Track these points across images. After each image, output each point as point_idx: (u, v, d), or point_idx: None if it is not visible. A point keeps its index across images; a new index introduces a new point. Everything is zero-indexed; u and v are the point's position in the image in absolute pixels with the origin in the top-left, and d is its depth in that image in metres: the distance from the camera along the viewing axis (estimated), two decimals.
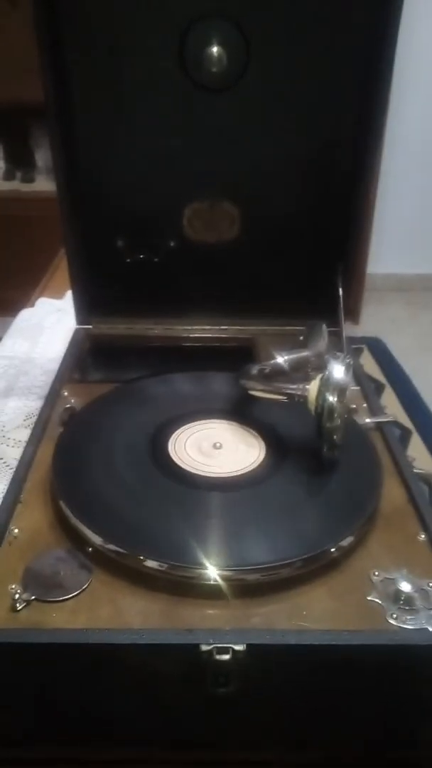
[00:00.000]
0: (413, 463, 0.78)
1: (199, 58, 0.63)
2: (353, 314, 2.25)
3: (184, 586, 0.43)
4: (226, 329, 0.77)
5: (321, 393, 0.49)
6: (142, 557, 0.44)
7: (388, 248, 2.56)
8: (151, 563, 0.44)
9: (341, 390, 0.48)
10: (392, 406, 0.94)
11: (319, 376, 0.50)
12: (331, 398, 0.48)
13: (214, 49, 0.63)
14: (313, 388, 0.50)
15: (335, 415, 0.48)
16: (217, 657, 0.38)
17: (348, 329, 0.68)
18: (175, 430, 0.57)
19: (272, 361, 0.57)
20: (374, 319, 2.31)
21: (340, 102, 0.67)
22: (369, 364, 1.05)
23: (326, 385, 0.48)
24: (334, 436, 0.50)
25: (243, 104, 0.67)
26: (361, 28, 0.63)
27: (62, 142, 0.67)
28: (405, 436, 0.90)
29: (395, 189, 2.46)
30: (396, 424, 0.90)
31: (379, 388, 0.99)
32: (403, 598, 0.42)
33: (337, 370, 0.48)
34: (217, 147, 0.69)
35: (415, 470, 0.56)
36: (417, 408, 0.95)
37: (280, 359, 0.56)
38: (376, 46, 0.63)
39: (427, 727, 0.43)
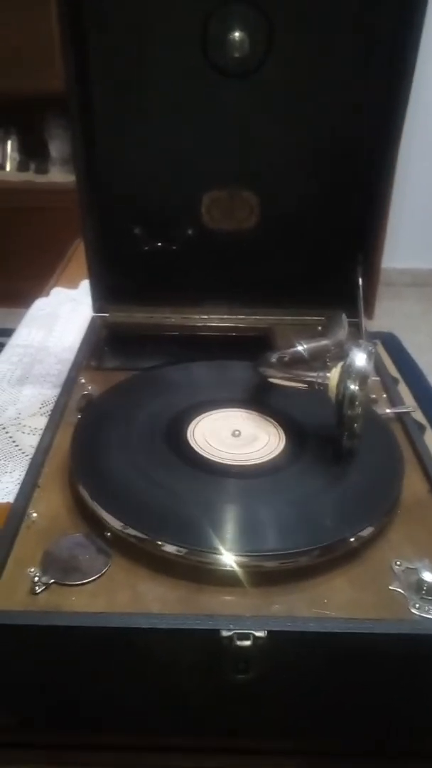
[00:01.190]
0: None
1: (221, 43, 0.62)
2: (368, 309, 2.23)
3: (203, 573, 0.43)
4: (243, 319, 0.76)
5: (342, 380, 0.48)
6: (160, 542, 0.44)
7: (404, 243, 2.54)
8: (169, 548, 0.43)
9: (363, 378, 0.48)
10: (406, 402, 0.93)
11: (341, 363, 0.49)
12: (353, 386, 0.48)
13: (237, 34, 0.62)
14: (334, 375, 0.50)
15: (356, 403, 0.48)
16: (238, 643, 0.38)
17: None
18: (194, 417, 0.57)
19: (292, 349, 0.56)
20: (389, 314, 2.29)
21: (361, 94, 0.66)
22: (383, 359, 1.05)
23: (348, 372, 0.48)
24: (355, 425, 0.49)
25: (263, 92, 0.66)
26: (384, 20, 0.62)
27: (82, 130, 0.67)
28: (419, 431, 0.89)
29: (412, 184, 2.44)
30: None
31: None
32: (425, 587, 0.42)
33: (360, 358, 0.48)
34: (237, 135, 0.69)
35: None
36: (431, 403, 0.94)
37: (300, 347, 0.56)
38: (399, 37, 0.62)
39: None
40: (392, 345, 1.09)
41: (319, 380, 0.51)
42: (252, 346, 0.68)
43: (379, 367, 0.68)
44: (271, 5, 0.62)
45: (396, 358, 1.06)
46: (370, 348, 0.49)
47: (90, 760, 0.45)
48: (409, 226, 2.53)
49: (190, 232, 0.74)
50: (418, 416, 0.92)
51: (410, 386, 0.99)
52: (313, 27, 0.63)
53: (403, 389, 0.97)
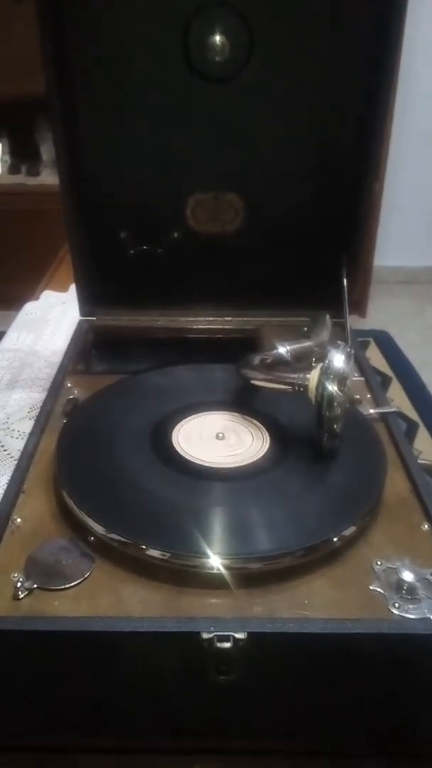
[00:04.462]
0: (419, 456, 0.78)
1: (202, 48, 0.63)
2: (360, 307, 2.24)
3: (186, 576, 0.43)
4: (230, 320, 0.77)
5: (321, 382, 0.48)
6: (144, 546, 0.44)
7: (396, 241, 2.55)
8: (153, 552, 0.44)
9: (341, 379, 0.48)
10: (399, 399, 0.93)
11: (320, 365, 0.50)
12: (331, 387, 0.48)
13: (217, 38, 0.62)
14: (313, 377, 0.50)
15: (335, 404, 0.48)
16: (218, 645, 0.38)
17: (355, 322, 0.68)
18: (179, 420, 0.57)
19: (274, 351, 0.56)
20: (382, 312, 2.30)
21: (345, 93, 0.67)
22: (376, 357, 1.05)
23: (326, 374, 0.48)
24: (334, 426, 0.49)
25: (246, 95, 0.67)
26: (365, 18, 0.62)
27: (65, 134, 0.67)
28: (412, 429, 0.89)
29: (403, 182, 2.45)
30: (402, 416, 0.90)
31: (385, 381, 0.99)
32: (405, 587, 0.42)
33: (337, 359, 0.48)
34: (220, 138, 0.69)
35: (419, 461, 0.56)
36: (424, 401, 0.94)
37: (282, 349, 0.56)
38: (381, 36, 0.62)
39: (428, 716, 0.43)
40: (385, 343, 1.10)
41: (299, 381, 0.51)
42: (239, 348, 0.68)
43: (364, 367, 0.68)
44: (249, 8, 0.62)
45: (389, 356, 1.06)
46: (349, 349, 0.49)
47: (75, 763, 0.45)
48: (401, 225, 2.53)
49: (175, 235, 0.74)
50: (411, 414, 0.92)
51: (403, 384, 0.99)
52: (292, 28, 0.64)
53: (396, 386, 0.97)
